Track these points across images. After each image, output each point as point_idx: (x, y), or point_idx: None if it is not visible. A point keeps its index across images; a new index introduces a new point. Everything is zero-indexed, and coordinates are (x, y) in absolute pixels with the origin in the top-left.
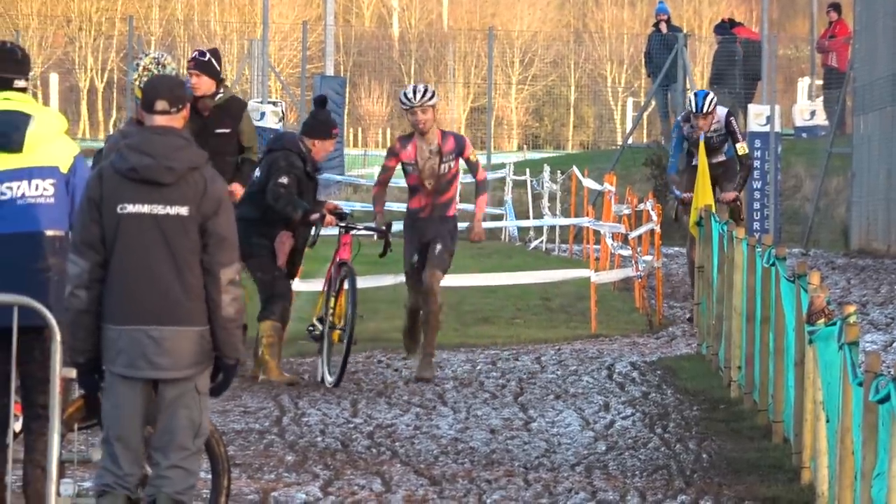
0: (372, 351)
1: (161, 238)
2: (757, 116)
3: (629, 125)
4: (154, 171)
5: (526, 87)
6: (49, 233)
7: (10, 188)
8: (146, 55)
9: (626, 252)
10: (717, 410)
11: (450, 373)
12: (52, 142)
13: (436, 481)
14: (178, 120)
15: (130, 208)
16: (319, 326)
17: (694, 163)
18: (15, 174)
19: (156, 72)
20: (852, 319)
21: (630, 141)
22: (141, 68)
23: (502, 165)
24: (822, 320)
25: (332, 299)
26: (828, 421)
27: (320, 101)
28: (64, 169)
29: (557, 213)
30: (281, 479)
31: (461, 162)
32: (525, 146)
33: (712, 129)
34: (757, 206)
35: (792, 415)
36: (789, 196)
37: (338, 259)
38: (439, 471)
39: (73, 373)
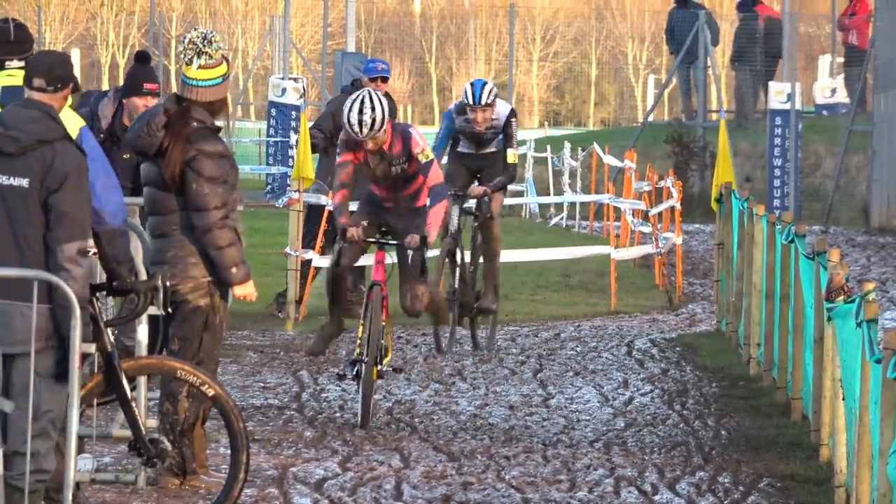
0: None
1: (4, 209)
2: (778, 94)
3: (650, 102)
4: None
5: (547, 64)
6: None
7: None
8: (195, 30)
9: (647, 229)
10: (736, 387)
11: (469, 349)
12: None
13: (454, 457)
14: (56, 99)
15: None
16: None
17: (459, 149)
18: None
19: (201, 46)
20: (871, 297)
21: (651, 118)
22: (187, 41)
23: (523, 142)
24: (842, 297)
25: (383, 328)
26: (844, 398)
27: (139, 57)
28: None
29: (578, 189)
30: (300, 455)
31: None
32: (546, 123)
33: (490, 124)
34: (777, 183)
35: (811, 392)
36: (809, 173)
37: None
38: (458, 447)
39: (92, 348)
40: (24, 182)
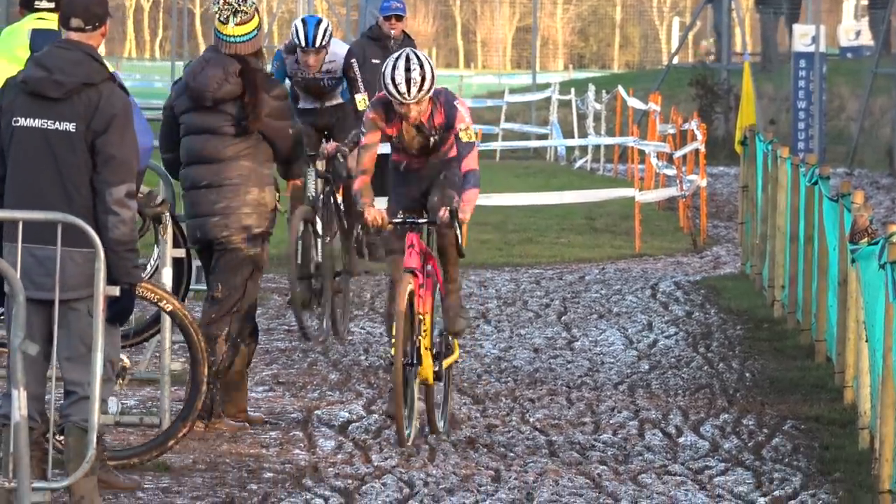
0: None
1: (49, 154)
2: (802, 36)
3: (674, 45)
4: (42, 84)
5: (571, 7)
6: None
7: None
8: None
9: (671, 171)
10: (761, 330)
11: (493, 292)
12: None
13: (479, 400)
14: (94, 37)
15: (22, 121)
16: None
17: (300, 106)
18: None
19: (237, 6)
20: (895, 238)
21: (675, 60)
22: (222, 1)
23: (548, 85)
24: (865, 240)
25: (418, 323)
26: (868, 340)
27: None
28: None
29: (602, 132)
30: (324, 398)
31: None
32: (570, 66)
33: (324, 69)
34: (801, 125)
35: (834, 334)
36: (834, 116)
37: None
38: (482, 390)
39: (116, 290)
40: (71, 127)
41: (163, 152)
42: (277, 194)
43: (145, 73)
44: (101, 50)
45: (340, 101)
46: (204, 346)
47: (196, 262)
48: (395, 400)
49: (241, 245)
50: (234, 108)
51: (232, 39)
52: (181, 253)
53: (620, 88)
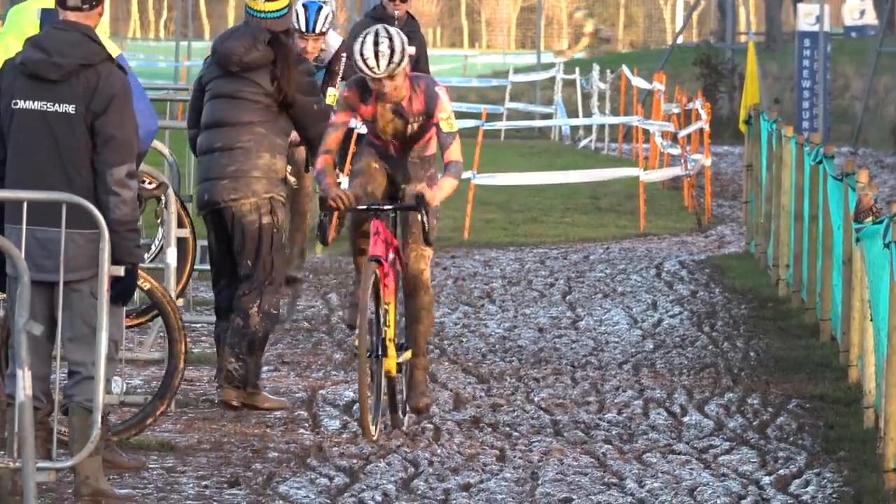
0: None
1: (49, 136)
2: (806, 16)
3: (679, 24)
4: (41, 67)
5: None
6: None
7: None
8: None
9: (676, 151)
10: (765, 309)
11: (498, 271)
12: None
13: (483, 379)
14: (91, 17)
15: (21, 104)
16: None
17: None
18: None
19: None
20: None
21: (680, 40)
22: None
23: (552, 65)
24: (870, 219)
25: (385, 313)
26: (872, 319)
27: None
28: None
29: (607, 111)
30: (329, 378)
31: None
32: (574, 46)
33: (318, 55)
34: (806, 104)
35: (839, 313)
36: (838, 95)
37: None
38: (487, 369)
39: (121, 270)
40: (71, 108)
41: (189, 128)
42: (289, 167)
43: (149, 53)
44: (106, 29)
45: None
46: (181, 326)
47: (201, 242)
48: (360, 392)
49: (251, 214)
50: (260, 77)
51: (262, 15)
52: (186, 233)
53: (625, 68)
